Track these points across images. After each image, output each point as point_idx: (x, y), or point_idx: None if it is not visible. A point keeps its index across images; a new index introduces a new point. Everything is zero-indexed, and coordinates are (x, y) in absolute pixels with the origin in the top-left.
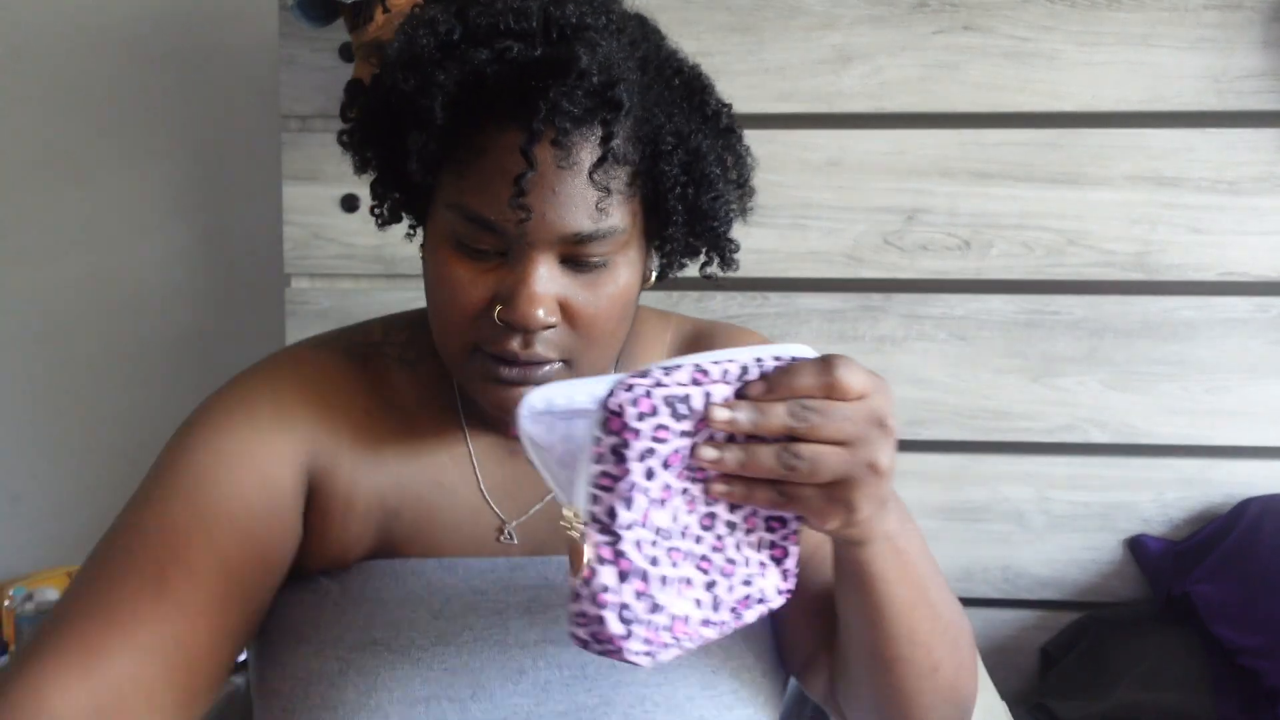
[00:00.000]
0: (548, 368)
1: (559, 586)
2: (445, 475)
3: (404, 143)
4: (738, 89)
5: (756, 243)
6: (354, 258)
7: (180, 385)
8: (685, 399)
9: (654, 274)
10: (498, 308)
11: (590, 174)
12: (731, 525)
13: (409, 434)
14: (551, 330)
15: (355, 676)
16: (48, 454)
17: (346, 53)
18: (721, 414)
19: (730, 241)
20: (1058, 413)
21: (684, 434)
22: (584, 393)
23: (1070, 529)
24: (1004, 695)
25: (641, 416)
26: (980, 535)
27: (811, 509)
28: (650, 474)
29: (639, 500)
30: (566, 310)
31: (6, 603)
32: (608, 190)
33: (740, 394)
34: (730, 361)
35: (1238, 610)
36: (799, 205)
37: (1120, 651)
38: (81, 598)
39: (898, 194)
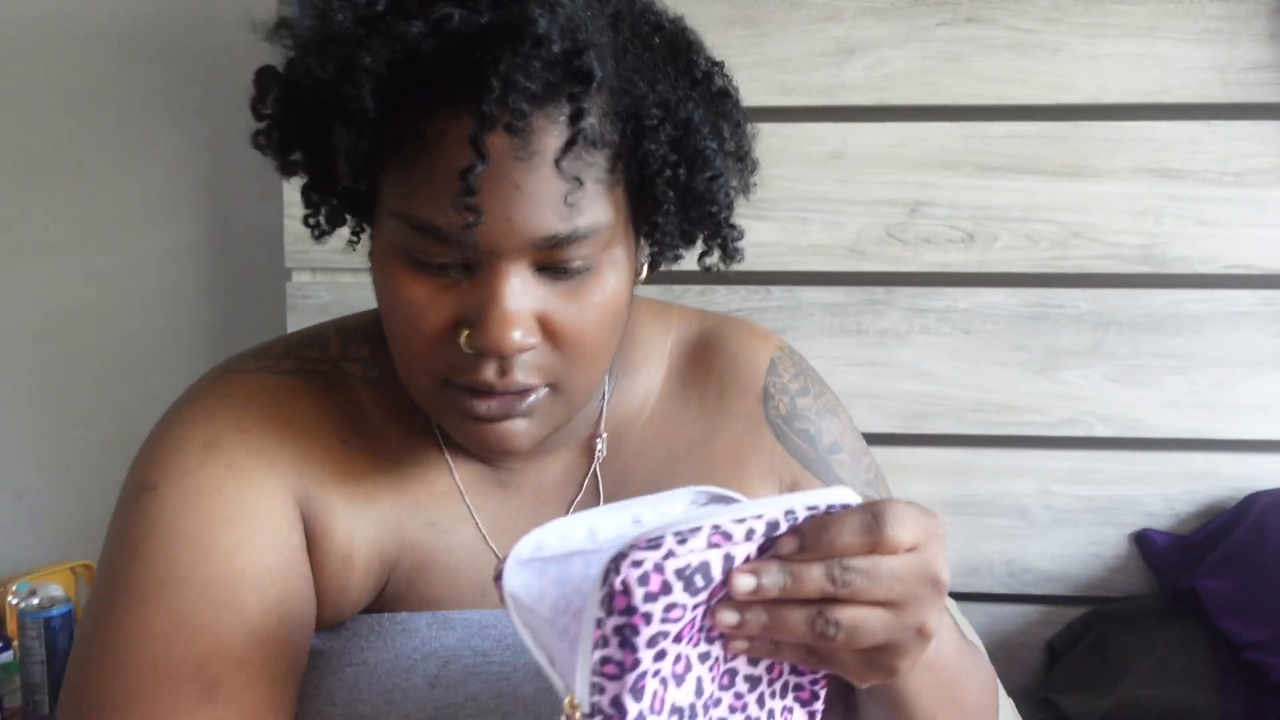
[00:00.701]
0: (532, 398)
1: None
2: (439, 513)
3: (331, 140)
4: (739, 82)
5: (759, 236)
6: (354, 252)
7: (181, 380)
8: (703, 567)
9: (645, 266)
10: (464, 332)
11: (557, 163)
12: (752, 680)
13: (392, 468)
14: (531, 352)
15: None
16: (50, 450)
17: None
18: (745, 584)
19: (732, 228)
20: (1062, 406)
21: (698, 605)
22: (580, 530)
23: (1075, 523)
24: (1009, 690)
25: (650, 597)
26: (985, 530)
27: (846, 671)
28: (661, 655)
29: (650, 686)
30: (547, 327)
31: (10, 598)
32: (581, 181)
33: (767, 547)
34: (757, 518)
35: (1244, 604)
36: (801, 198)
37: (1126, 646)
38: None
39: (901, 187)
